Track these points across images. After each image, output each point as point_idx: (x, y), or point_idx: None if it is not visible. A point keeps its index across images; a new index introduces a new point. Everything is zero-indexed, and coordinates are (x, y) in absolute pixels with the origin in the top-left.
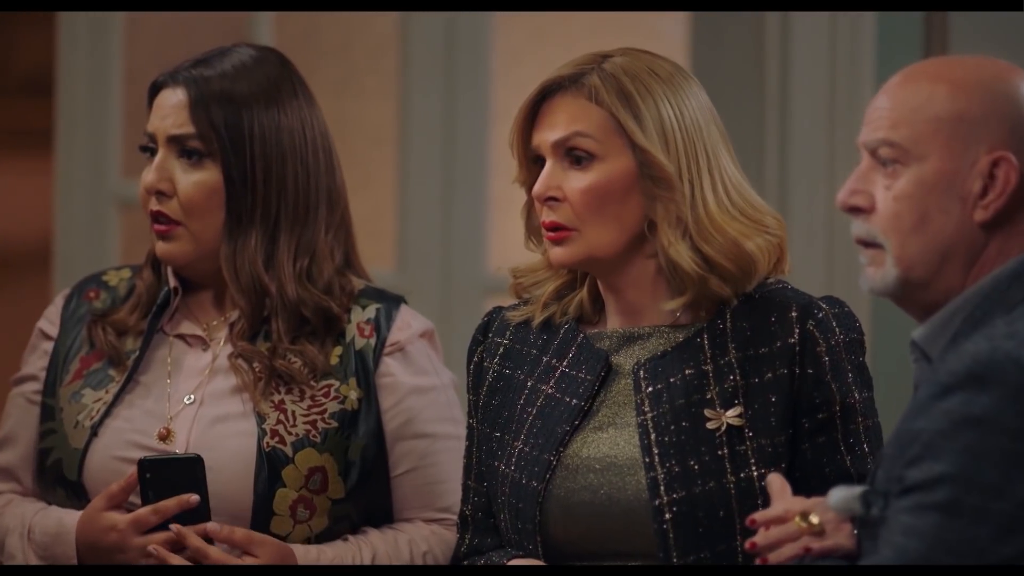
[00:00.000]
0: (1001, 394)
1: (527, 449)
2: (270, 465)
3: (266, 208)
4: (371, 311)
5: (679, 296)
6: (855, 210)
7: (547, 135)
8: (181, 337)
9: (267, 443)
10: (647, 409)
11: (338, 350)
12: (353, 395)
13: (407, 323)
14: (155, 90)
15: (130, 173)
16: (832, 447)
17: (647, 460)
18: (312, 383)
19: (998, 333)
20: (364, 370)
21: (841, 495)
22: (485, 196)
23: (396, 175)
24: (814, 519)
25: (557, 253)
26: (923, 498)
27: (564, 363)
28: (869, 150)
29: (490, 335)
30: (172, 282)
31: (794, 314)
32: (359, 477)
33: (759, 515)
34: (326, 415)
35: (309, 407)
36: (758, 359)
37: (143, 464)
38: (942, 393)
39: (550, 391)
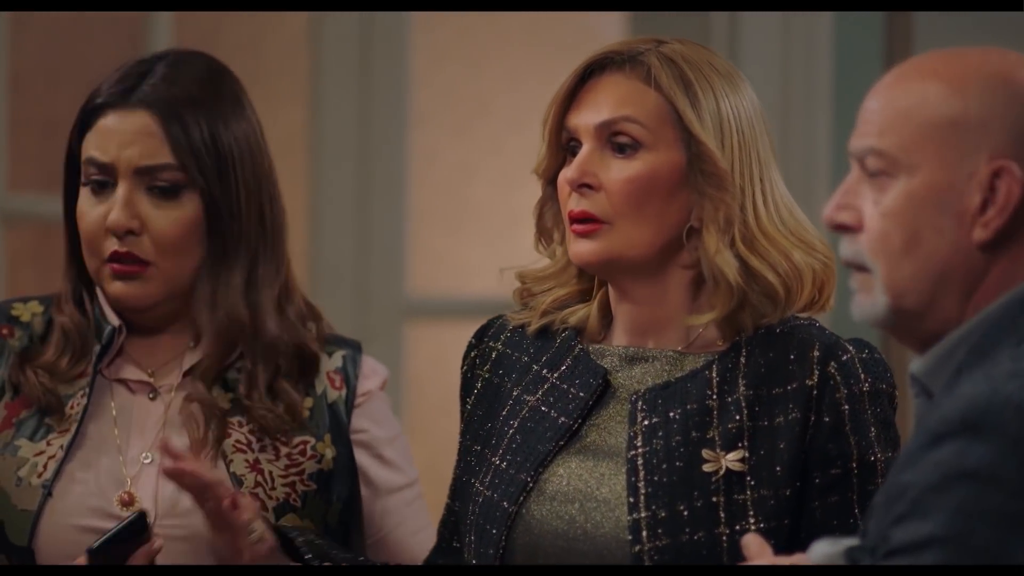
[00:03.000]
0: (999, 444)
1: (503, 466)
2: None
3: (248, 238)
4: (338, 359)
5: (708, 312)
6: (842, 228)
7: (589, 117)
8: (122, 382)
9: None
10: (639, 444)
11: (309, 402)
12: (329, 453)
13: (373, 370)
14: (95, 113)
15: (16, 186)
16: (845, 509)
17: (632, 500)
18: (285, 438)
19: (1001, 372)
20: (338, 425)
21: (824, 551)
22: (404, 210)
23: (306, 186)
24: None
25: (582, 248)
26: (909, 563)
27: (556, 375)
28: (857, 159)
29: (485, 339)
30: (115, 320)
31: (816, 354)
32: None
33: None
34: (304, 476)
35: (287, 467)
36: (770, 400)
37: (94, 553)
38: (933, 442)
39: (536, 403)
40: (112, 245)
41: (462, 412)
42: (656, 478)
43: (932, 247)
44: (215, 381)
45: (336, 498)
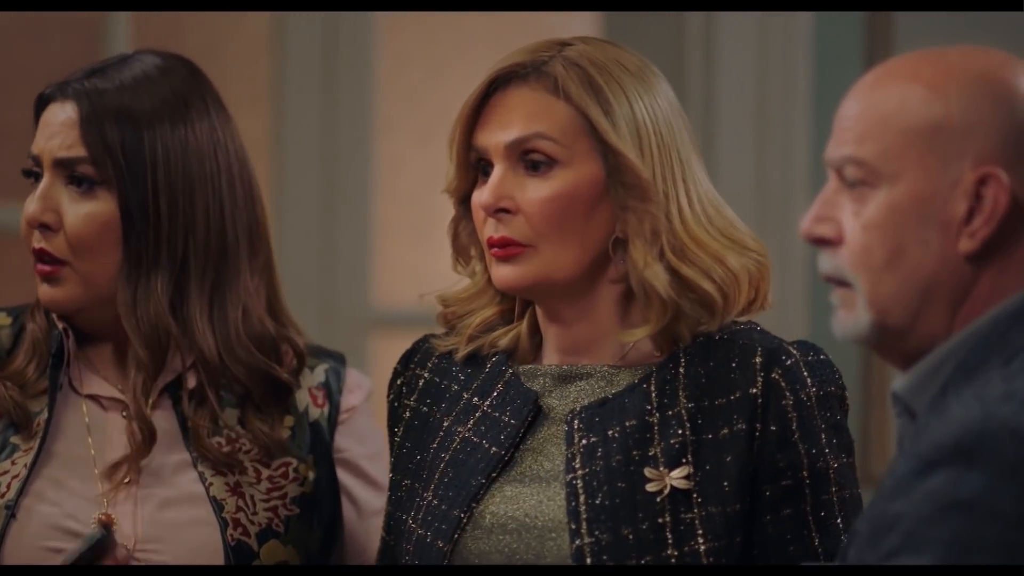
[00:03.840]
0: (995, 471)
1: (436, 502)
2: (238, 563)
3: (172, 247)
4: (320, 373)
5: (642, 326)
6: (821, 241)
7: (498, 135)
8: (95, 398)
9: (231, 535)
10: (578, 466)
11: (289, 420)
12: (311, 475)
13: (356, 384)
14: (42, 104)
15: None
16: (799, 522)
17: (573, 526)
18: (266, 460)
19: (993, 394)
20: (320, 445)
21: None
22: (369, 219)
23: (269, 195)
24: None
25: (505, 272)
26: None
27: (487, 403)
28: (834, 169)
29: (412, 366)
30: (60, 324)
31: (758, 360)
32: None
33: None
34: (287, 500)
35: (268, 490)
36: (713, 411)
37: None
38: (924, 470)
39: (467, 434)
40: (36, 242)
41: (391, 444)
42: (598, 501)
43: (916, 260)
44: (202, 399)
45: (318, 523)
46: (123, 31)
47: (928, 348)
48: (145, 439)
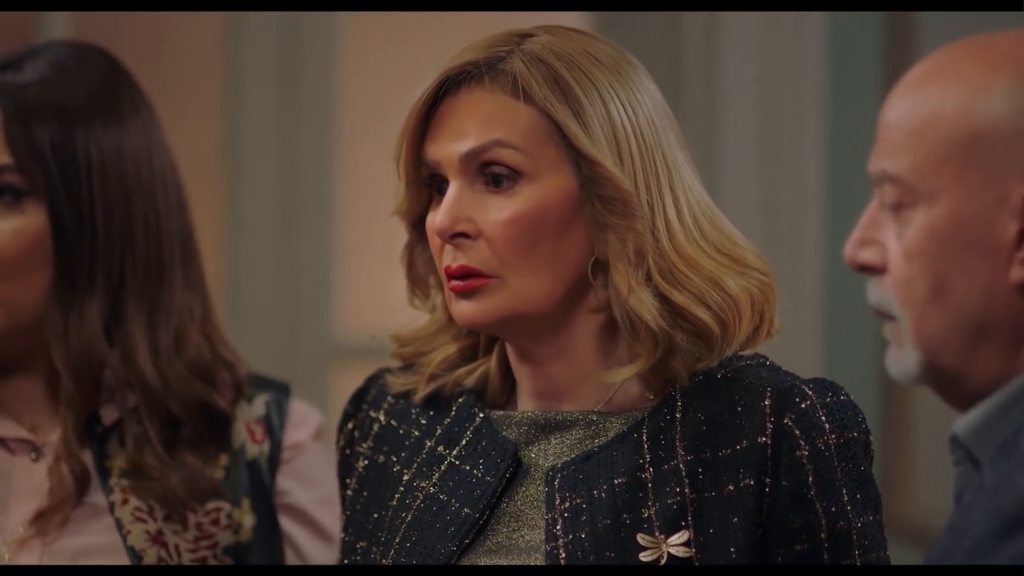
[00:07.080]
0: None
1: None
2: None
3: (108, 263)
4: (260, 406)
5: (629, 364)
6: (865, 269)
7: (452, 146)
8: (0, 442)
9: None
10: (560, 533)
11: (223, 459)
12: (247, 522)
13: (303, 417)
14: None
15: None
16: None
17: None
18: (194, 507)
19: None
20: (259, 487)
21: None
22: (332, 239)
23: (221, 212)
24: None
25: (466, 308)
26: None
27: (454, 452)
28: (875, 185)
29: (364, 407)
30: None
31: (768, 403)
32: None
33: None
34: (218, 549)
35: (196, 539)
36: (716, 464)
37: None
38: (1009, 530)
39: (433, 490)
40: None
41: (342, 498)
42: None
43: (962, 293)
44: (108, 435)
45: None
46: (59, 32)
47: (990, 390)
48: (78, 483)
